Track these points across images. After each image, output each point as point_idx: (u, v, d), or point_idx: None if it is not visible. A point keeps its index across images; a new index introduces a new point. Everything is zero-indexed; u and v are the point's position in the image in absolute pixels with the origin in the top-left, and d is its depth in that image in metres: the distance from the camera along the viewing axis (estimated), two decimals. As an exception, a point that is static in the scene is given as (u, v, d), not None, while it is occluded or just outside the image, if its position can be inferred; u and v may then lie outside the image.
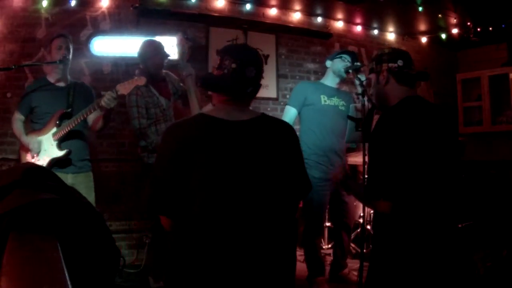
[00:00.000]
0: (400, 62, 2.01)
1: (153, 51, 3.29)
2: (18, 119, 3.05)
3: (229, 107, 1.63)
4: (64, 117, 2.96)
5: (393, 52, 2.08)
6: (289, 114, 3.48)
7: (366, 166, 3.09)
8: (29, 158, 3.00)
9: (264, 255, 1.51)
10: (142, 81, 2.88)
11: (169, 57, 3.40)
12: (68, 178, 2.94)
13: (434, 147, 1.88)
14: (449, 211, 1.89)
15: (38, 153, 2.95)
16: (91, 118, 3.07)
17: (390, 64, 2.03)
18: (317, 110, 3.43)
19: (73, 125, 2.90)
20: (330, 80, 3.55)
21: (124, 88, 2.84)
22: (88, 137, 3.24)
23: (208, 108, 3.28)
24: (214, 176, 1.50)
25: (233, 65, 1.57)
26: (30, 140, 2.96)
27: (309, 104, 3.46)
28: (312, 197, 3.26)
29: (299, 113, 3.50)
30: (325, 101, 3.46)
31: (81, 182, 2.98)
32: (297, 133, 3.56)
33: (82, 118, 2.88)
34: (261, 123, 1.65)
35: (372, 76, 2.11)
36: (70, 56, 3.07)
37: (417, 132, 1.87)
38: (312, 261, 3.48)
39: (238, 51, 1.66)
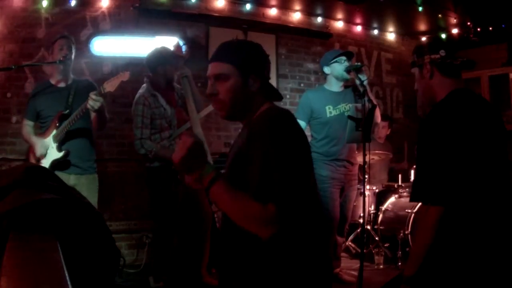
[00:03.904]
0: (442, 52, 1.85)
1: (164, 60, 3.26)
2: (26, 125, 3.06)
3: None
4: (63, 118, 2.95)
5: (434, 42, 1.93)
6: None
7: (366, 166, 3.11)
8: (33, 161, 3.01)
9: None
10: (126, 76, 2.85)
11: (180, 64, 3.36)
12: (70, 179, 2.92)
13: (489, 145, 1.74)
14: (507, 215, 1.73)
15: (44, 152, 2.94)
16: (92, 116, 3.06)
17: (432, 56, 1.87)
18: (323, 123, 3.47)
19: (69, 126, 2.89)
20: (333, 85, 3.53)
21: (110, 85, 2.81)
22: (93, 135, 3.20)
23: (209, 110, 3.28)
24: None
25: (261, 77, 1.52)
26: (36, 142, 2.96)
27: (315, 117, 3.49)
28: (321, 195, 3.38)
29: (308, 123, 3.53)
30: (330, 112, 3.47)
31: (83, 184, 2.95)
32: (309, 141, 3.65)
33: (76, 119, 2.86)
34: None
35: (415, 71, 1.96)
36: (73, 56, 3.07)
37: (473, 129, 1.72)
38: None
39: (260, 59, 1.54)
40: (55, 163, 2.93)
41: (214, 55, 1.52)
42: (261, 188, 1.29)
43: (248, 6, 4.90)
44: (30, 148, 3.07)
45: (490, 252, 1.65)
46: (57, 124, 2.94)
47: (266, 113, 1.45)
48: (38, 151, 2.94)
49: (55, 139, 2.93)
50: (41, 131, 3.03)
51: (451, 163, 1.65)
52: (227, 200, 1.34)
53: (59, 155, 2.94)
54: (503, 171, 1.77)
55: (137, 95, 3.26)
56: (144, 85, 3.32)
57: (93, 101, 2.76)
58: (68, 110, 2.97)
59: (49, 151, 2.95)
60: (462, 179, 1.64)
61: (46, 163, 2.93)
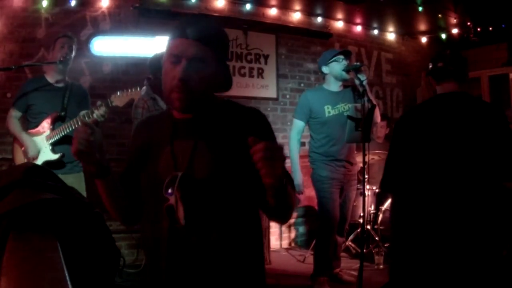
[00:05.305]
0: (430, 65, 2.17)
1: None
2: (14, 116, 3.05)
3: None
4: (57, 119, 2.97)
5: (430, 60, 2.23)
6: (297, 127, 3.55)
7: (366, 166, 3.11)
8: (21, 154, 3.00)
9: None
10: (137, 94, 2.90)
11: None
12: None
13: (453, 144, 1.92)
14: (455, 210, 1.91)
15: (37, 153, 2.95)
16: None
17: (426, 70, 2.24)
18: (322, 123, 3.47)
19: (67, 131, 2.91)
20: (332, 85, 3.52)
21: (119, 100, 2.86)
22: None
23: None
24: None
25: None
26: (27, 141, 2.96)
27: (314, 117, 3.50)
28: (321, 195, 3.47)
29: (307, 122, 3.55)
30: (329, 112, 3.46)
31: (72, 183, 2.95)
32: (308, 141, 3.68)
33: (75, 126, 2.89)
34: None
35: None
36: (73, 56, 3.08)
37: (432, 128, 1.97)
38: (321, 260, 3.48)
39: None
40: (48, 164, 2.93)
41: (197, 32, 1.24)
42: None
43: (248, 6, 4.90)
44: (16, 143, 3.05)
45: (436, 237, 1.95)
46: (51, 125, 2.95)
47: (253, 110, 1.38)
48: (31, 151, 2.94)
49: (48, 140, 2.95)
50: (30, 127, 3.03)
51: (405, 157, 1.97)
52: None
53: (54, 156, 2.95)
54: (456, 169, 1.95)
55: (137, 98, 3.27)
56: (144, 87, 3.33)
57: (102, 115, 2.83)
58: (64, 112, 2.99)
59: (42, 151, 2.96)
60: (410, 172, 1.93)
61: (38, 162, 2.94)
